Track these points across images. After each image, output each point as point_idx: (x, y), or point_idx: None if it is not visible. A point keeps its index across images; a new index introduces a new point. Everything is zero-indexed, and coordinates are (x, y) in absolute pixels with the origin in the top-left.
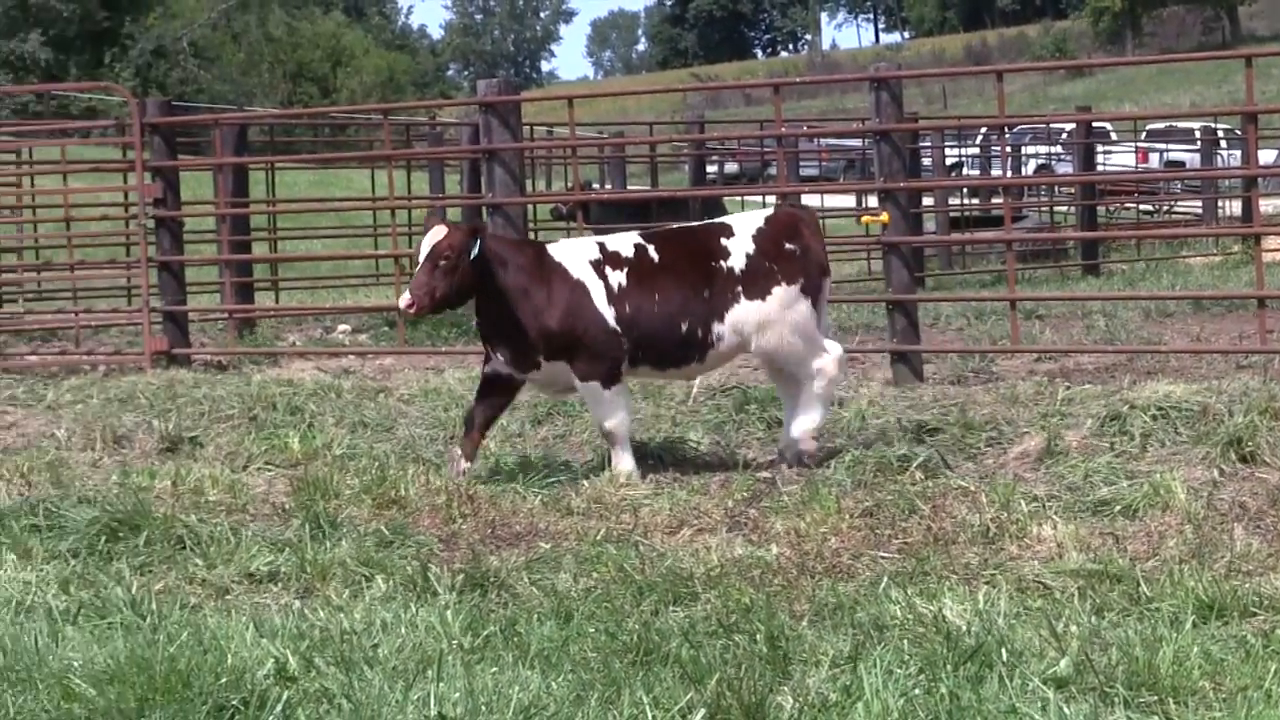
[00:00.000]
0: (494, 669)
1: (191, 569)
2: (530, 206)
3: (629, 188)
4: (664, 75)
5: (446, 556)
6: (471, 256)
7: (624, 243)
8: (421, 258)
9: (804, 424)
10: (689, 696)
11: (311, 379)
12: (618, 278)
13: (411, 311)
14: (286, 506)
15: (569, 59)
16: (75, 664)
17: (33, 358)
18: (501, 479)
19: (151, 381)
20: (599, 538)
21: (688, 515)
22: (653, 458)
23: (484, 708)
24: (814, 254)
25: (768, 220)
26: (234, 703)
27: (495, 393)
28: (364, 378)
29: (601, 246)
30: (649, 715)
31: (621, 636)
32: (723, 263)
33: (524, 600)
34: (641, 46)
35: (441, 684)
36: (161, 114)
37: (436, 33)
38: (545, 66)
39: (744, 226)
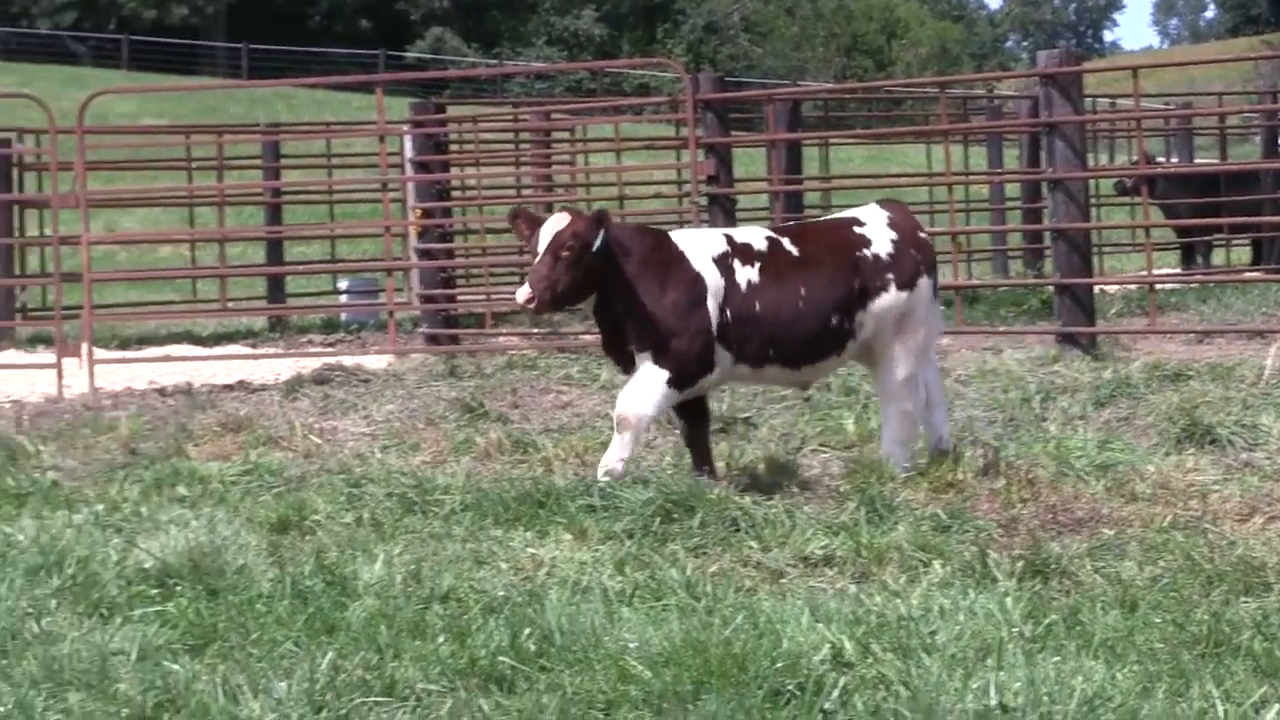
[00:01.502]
0: (1056, 658)
1: (746, 551)
2: (1092, 181)
3: (1196, 161)
4: (1234, 43)
5: (1005, 542)
6: (596, 248)
7: (754, 236)
8: (541, 248)
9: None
10: (1262, 690)
11: None
12: (748, 273)
13: (531, 307)
14: (841, 489)
15: (1133, 27)
16: (631, 645)
17: (587, 336)
18: (1061, 464)
19: None
20: (1165, 524)
21: (1259, 502)
22: (1216, 440)
23: (1045, 698)
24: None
25: (893, 210)
26: (789, 687)
27: (688, 411)
28: None
29: (729, 239)
30: (1219, 709)
31: (1190, 627)
32: (865, 251)
33: (1086, 588)
34: (1210, 13)
35: (1001, 673)
36: (714, 90)
37: (994, 3)
38: (1108, 36)
39: (873, 217)
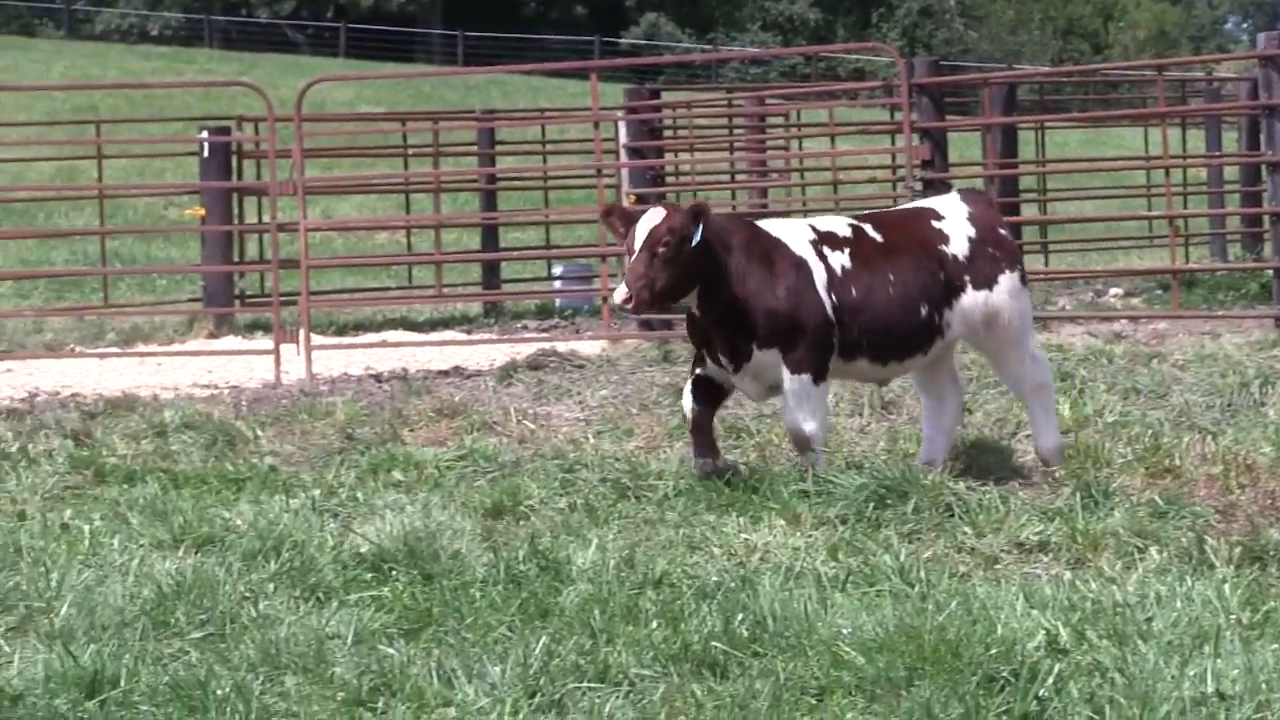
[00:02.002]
0: (1274, 646)
1: (960, 537)
2: None
3: None
4: None
5: (1223, 528)
6: (694, 242)
7: (839, 224)
8: (637, 245)
9: (1050, 438)
10: None
11: (1082, 344)
12: (840, 259)
13: (629, 307)
14: (1056, 474)
15: None
16: (844, 631)
17: None
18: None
19: None
20: None
21: None
22: None
23: (1263, 686)
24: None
25: (973, 202)
26: (1004, 674)
27: (708, 399)
28: (1136, 342)
29: (814, 227)
30: None
31: None
32: (946, 247)
33: None
34: None
35: (1219, 660)
36: (929, 74)
37: None
38: None
39: (951, 208)
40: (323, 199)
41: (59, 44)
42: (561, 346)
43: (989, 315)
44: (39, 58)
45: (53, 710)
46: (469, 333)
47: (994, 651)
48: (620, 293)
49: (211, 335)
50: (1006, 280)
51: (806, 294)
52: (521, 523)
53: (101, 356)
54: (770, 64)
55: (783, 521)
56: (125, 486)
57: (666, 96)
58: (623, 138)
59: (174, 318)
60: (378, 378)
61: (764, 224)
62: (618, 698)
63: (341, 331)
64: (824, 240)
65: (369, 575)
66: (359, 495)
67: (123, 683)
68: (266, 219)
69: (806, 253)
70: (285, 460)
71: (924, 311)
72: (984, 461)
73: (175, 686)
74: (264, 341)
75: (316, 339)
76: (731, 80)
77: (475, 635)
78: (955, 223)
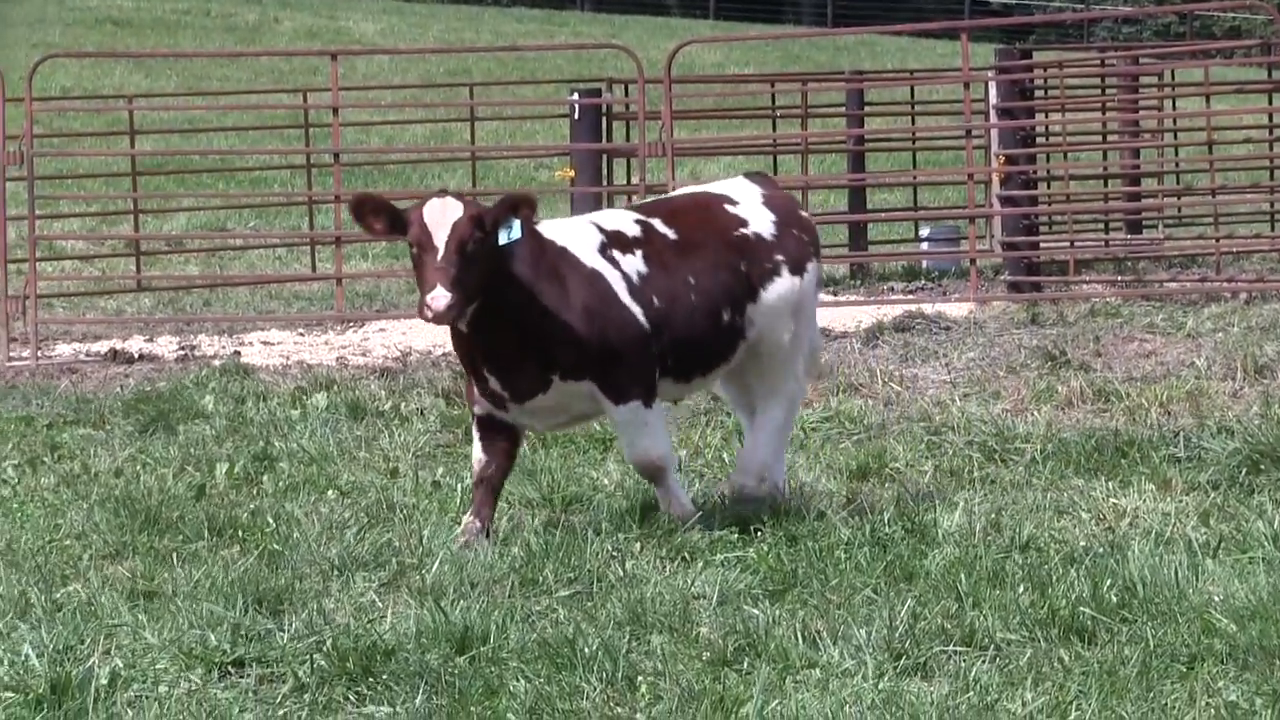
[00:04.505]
0: None
1: None
2: None
3: None
4: None
5: None
6: (507, 240)
7: (624, 220)
8: (439, 240)
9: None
10: None
11: None
12: (633, 263)
13: (454, 313)
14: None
15: None
16: (1215, 598)
17: (1172, 284)
18: None
19: None
20: None
21: None
22: None
23: None
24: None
25: (762, 183)
26: None
27: (498, 439)
28: None
29: (599, 227)
30: None
31: None
32: (746, 232)
33: None
34: None
35: None
36: None
37: None
38: None
39: (744, 192)
40: (691, 160)
41: (434, 7)
42: (928, 308)
43: (798, 305)
44: (415, 21)
45: (424, 665)
46: (835, 294)
47: None
48: (440, 298)
49: None
50: (814, 268)
51: (611, 311)
52: (887, 485)
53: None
54: (1143, 23)
55: (1152, 486)
56: None
57: (1037, 56)
58: (992, 98)
59: None
60: None
61: (541, 227)
62: (983, 662)
63: None
64: (613, 242)
65: (734, 536)
66: (725, 456)
67: (492, 639)
68: (635, 180)
69: (598, 262)
70: None
71: (727, 313)
72: None
73: (543, 644)
74: None
75: None
76: (1103, 39)
77: (840, 597)
78: (751, 206)
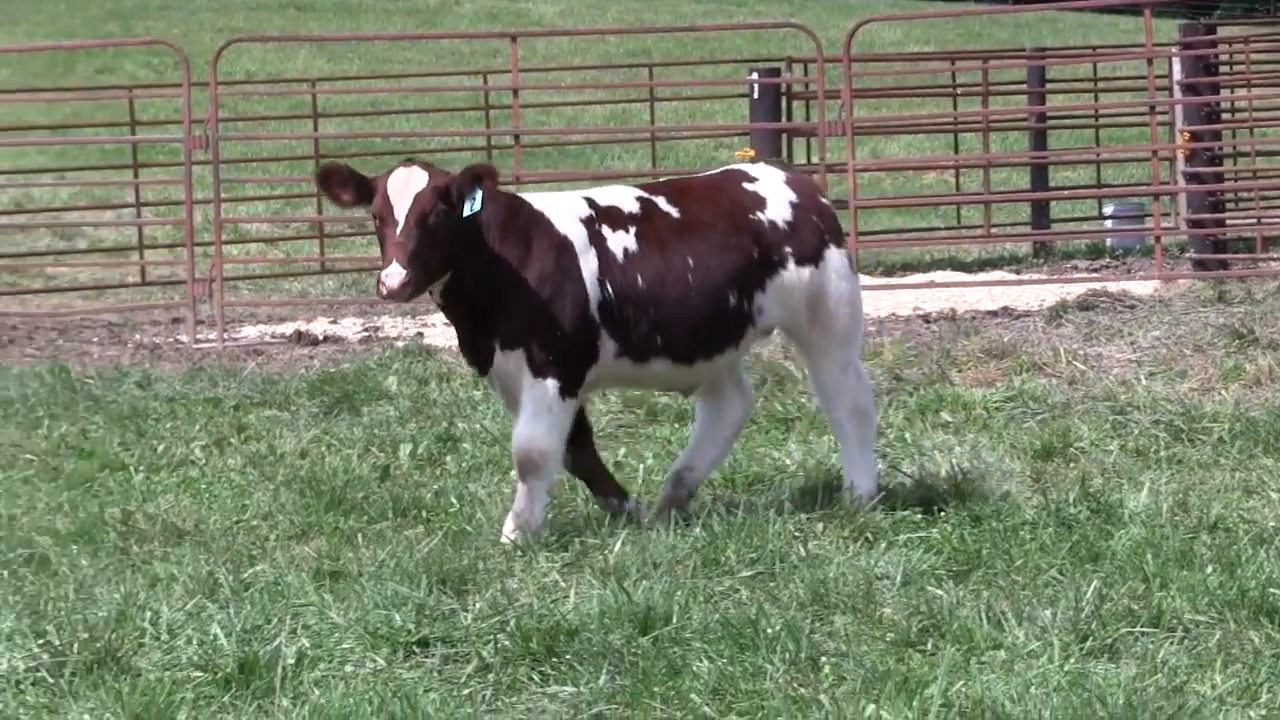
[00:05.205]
0: None
1: None
2: None
3: None
4: None
5: None
6: (470, 211)
7: (624, 197)
8: (399, 213)
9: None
10: None
11: None
12: (622, 240)
13: (409, 291)
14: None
15: None
16: None
17: None
18: None
19: None
20: None
21: None
22: None
23: None
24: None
25: (785, 168)
26: None
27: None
28: None
29: (592, 201)
30: None
31: None
32: (762, 214)
33: None
34: None
35: None
36: None
37: None
38: None
39: (765, 173)
40: (871, 139)
41: None
42: (1112, 286)
43: (813, 296)
44: (594, 2)
45: (607, 645)
46: (1018, 273)
47: None
48: (394, 275)
49: None
50: (835, 257)
51: (563, 283)
52: (1071, 465)
53: None
54: None
55: None
56: (677, 426)
57: (1222, 31)
58: (1176, 74)
59: None
60: (925, 318)
61: (532, 197)
62: (1171, 643)
63: (889, 272)
64: (603, 217)
65: (917, 516)
66: (907, 436)
67: (675, 619)
68: (815, 160)
69: (574, 232)
70: None
71: (733, 296)
72: None
73: (726, 624)
74: None
75: (864, 279)
76: None
77: (1025, 578)
78: (771, 186)
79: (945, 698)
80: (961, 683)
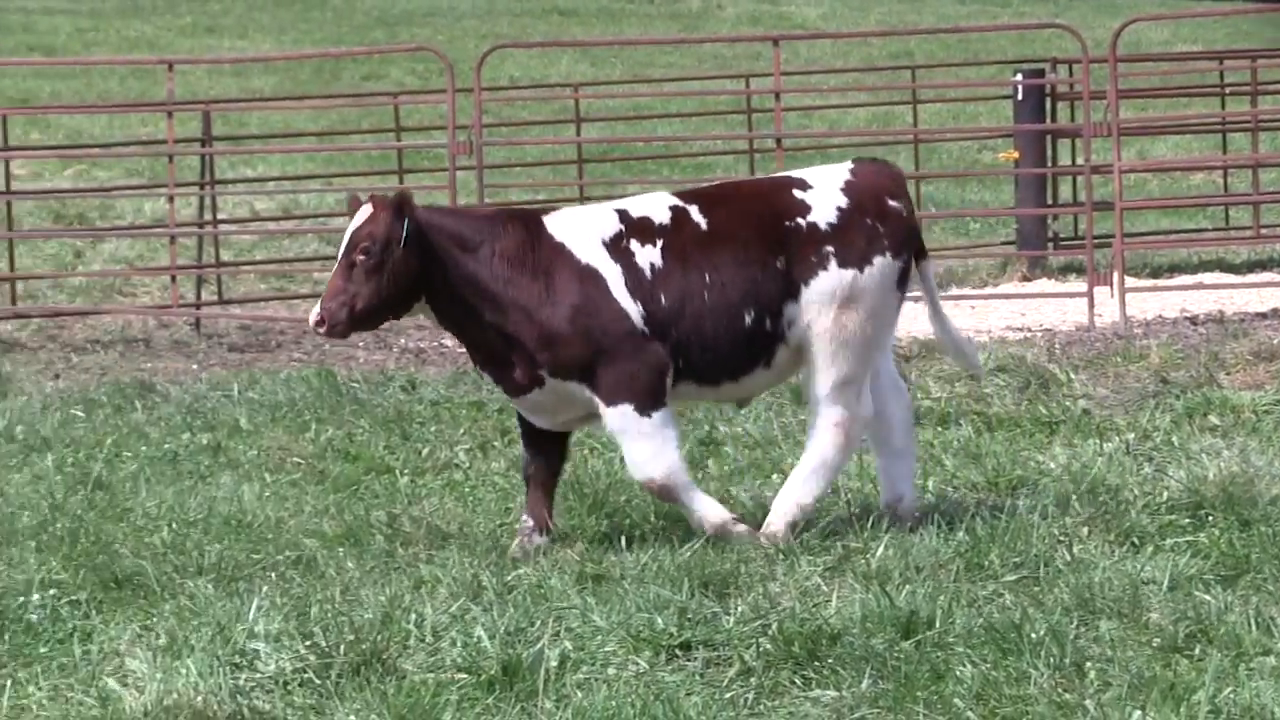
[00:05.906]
0: None
1: None
2: None
3: None
4: None
5: None
6: (403, 243)
7: (657, 207)
8: (341, 250)
9: (794, 495)
10: None
11: None
12: (649, 255)
13: (321, 331)
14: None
15: None
16: None
17: None
18: None
19: None
20: None
21: None
22: None
23: None
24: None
25: (860, 169)
26: None
27: (540, 435)
28: None
29: (625, 215)
30: None
31: None
32: (801, 220)
33: None
34: None
35: None
36: None
37: None
38: None
39: (822, 177)
40: (1137, 140)
41: None
42: None
43: (849, 299)
44: (856, 4)
45: (869, 649)
46: None
47: None
48: (312, 315)
49: (1025, 278)
50: (883, 264)
51: (601, 310)
52: None
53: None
54: None
55: None
56: (939, 429)
57: None
58: None
59: (987, 261)
60: (1193, 320)
61: (551, 217)
62: None
63: (1155, 274)
64: (631, 231)
65: (1185, 521)
66: (1174, 439)
67: (937, 624)
68: (1080, 161)
69: (599, 257)
70: (1098, 404)
71: (751, 314)
72: None
73: (989, 629)
74: (1077, 284)
75: (1130, 281)
76: None
77: None
78: (824, 191)
79: (1213, 704)
80: (1230, 689)
